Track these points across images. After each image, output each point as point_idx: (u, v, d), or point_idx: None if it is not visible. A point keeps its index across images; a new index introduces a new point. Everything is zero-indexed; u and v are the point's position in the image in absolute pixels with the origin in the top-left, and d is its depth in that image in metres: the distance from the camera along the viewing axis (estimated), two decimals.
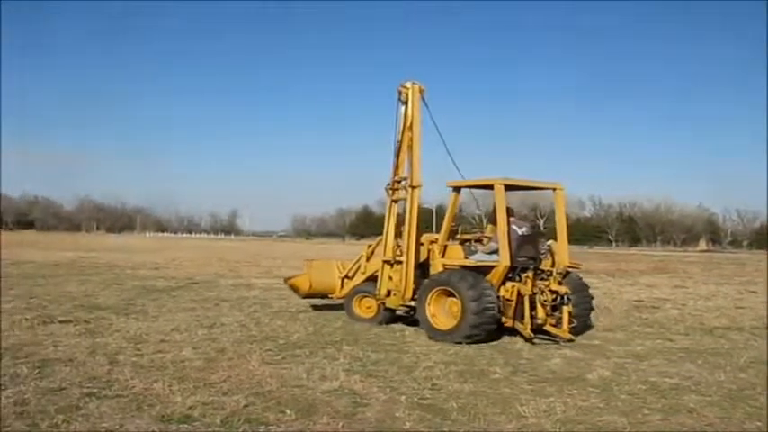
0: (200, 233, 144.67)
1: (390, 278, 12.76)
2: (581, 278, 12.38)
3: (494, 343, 10.96)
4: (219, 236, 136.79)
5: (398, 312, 12.85)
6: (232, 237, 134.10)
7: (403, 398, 7.39)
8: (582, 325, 12.04)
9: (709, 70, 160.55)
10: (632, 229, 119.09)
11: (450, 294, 11.40)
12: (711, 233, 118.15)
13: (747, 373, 9.05)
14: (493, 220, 12.55)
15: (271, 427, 6.26)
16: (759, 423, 6.76)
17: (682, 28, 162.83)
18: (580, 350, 10.52)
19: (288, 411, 6.71)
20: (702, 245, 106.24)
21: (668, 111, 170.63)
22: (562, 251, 12.13)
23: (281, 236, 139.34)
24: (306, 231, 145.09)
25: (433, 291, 11.62)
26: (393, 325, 12.19)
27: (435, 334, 11.29)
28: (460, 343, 10.74)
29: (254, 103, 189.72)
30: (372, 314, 13.01)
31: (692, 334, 12.49)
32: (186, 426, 6.24)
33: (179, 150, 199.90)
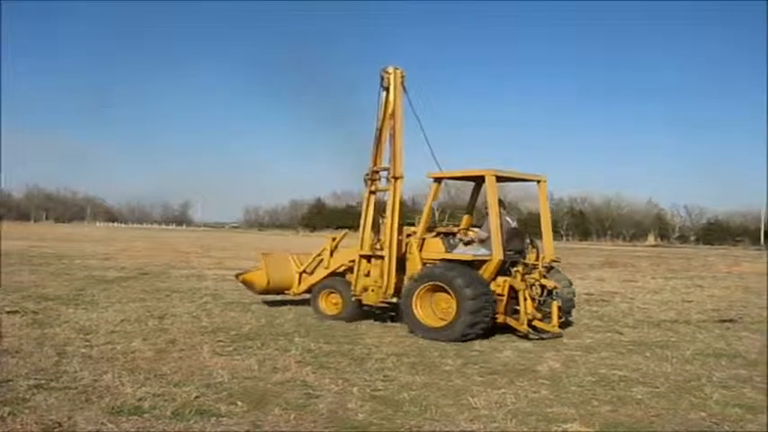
0: (152, 223, 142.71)
1: (366, 274, 12.14)
2: (562, 272, 12.06)
3: None
4: (171, 226, 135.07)
5: (364, 308, 12.34)
6: (184, 227, 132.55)
7: (355, 389, 7.40)
8: (565, 319, 11.79)
9: (674, 63, 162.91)
10: (583, 224, 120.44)
11: (440, 290, 10.76)
12: (660, 228, 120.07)
13: (693, 365, 9.25)
14: (470, 211, 12.35)
15: (222, 419, 6.23)
16: (703, 413, 6.91)
17: (662, 25, 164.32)
18: (531, 342, 10.63)
19: (239, 403, 6.69)
20: (651, 240, 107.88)
21: (630, 108, 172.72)
22: (547, 245, 11.78)
23: (233, 227, 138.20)
24: (258, 223, 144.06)
25: (422, 286, 10.92)
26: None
27: (425, 332, 10.64)
28: (458, 341, 10.18)
29: (210, 95, 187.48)
30: (338, 311, 12.40)
31: (641, 327, 12.72)
32: (136, 417, 6.17)
33: (133, 140, 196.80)
